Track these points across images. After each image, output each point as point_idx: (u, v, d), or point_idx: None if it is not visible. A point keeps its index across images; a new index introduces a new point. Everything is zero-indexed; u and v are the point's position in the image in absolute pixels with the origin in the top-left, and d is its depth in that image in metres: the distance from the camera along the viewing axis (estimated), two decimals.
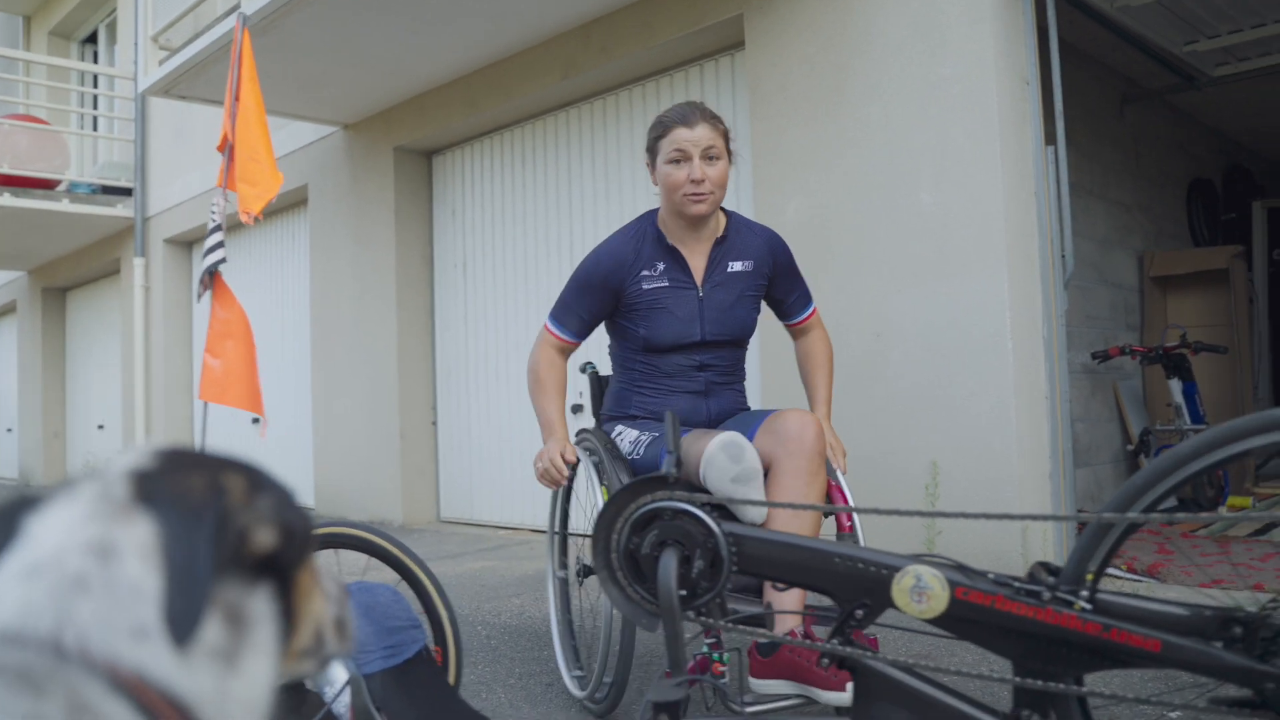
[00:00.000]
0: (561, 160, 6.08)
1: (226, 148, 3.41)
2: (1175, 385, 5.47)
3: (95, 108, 11.06)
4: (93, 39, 11.82)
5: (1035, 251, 3.93)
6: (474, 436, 6.68)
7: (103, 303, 11.31)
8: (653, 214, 2.69)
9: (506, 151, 6.47)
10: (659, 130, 2.55)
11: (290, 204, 8.14)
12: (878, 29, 4.14)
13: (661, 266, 2.60)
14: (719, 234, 2.63)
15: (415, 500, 6.82)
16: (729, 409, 2.67)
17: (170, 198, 9.36)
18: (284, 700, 2.11)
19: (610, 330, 2.77)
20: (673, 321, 2.58)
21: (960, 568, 1.58)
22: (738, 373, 2.73)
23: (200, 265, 3.45)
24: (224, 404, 3.94)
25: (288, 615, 0.70)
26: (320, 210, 7.45)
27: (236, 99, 3.42)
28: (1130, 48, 5.42)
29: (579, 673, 2.67)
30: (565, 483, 2.58)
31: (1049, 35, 4.03)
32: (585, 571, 2.70)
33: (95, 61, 11.61)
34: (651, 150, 2.59)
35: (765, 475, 2.32)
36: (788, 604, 2.17)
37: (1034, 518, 1.53)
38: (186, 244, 9.60)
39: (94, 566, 0.59)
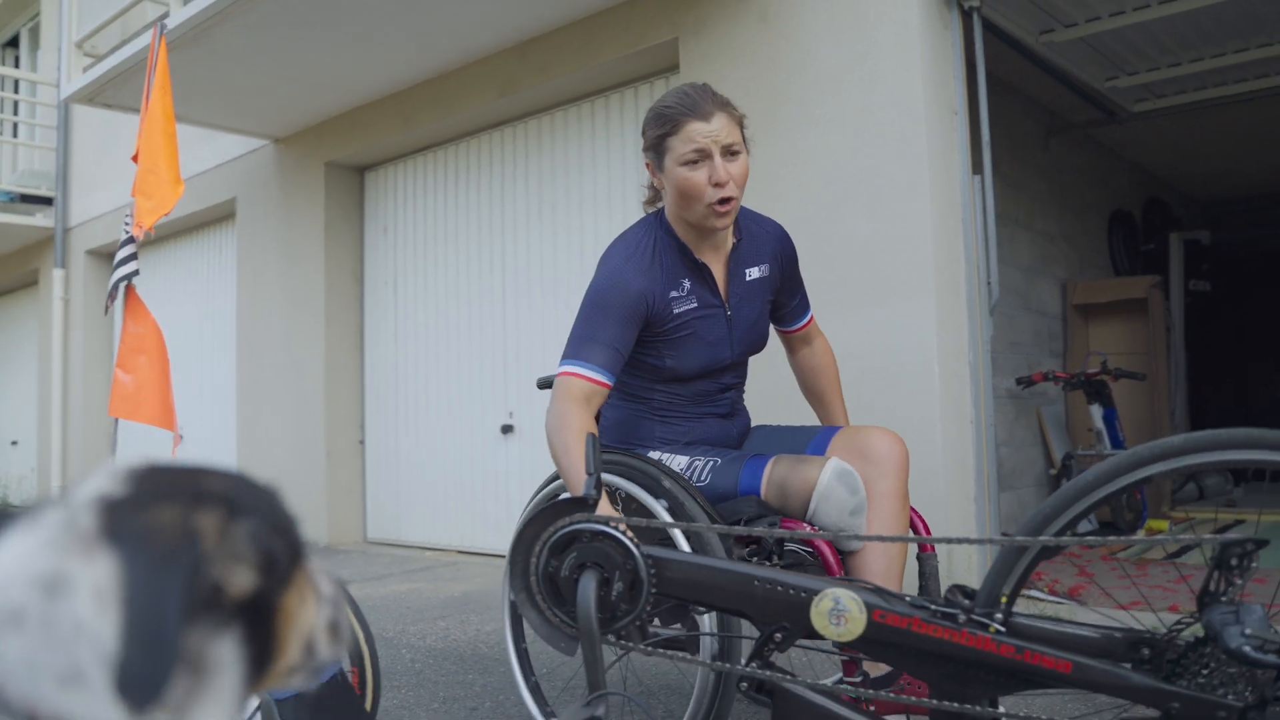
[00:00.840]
0: (496, 179, 6.05)
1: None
2: (1096, 410, 5.60)
3: (16, 114, 10.76)
4: (14, 43, 11.50)
5: (962, 278, 3.99)
6: (402, 456, 6.59)
7: (19, 314, 10.97)
8: (659, 218, 2.28)
9: (440, 169, 6.42)
10: (666, 125, 2.11)
11: (218, 217, 7.98)
12: (811, 57, 4.20)
13: (688, 285, 2.22)
14: (731, 240, 2.30)
15: (341, 520, 6.70)
16: (746, 424, 2.46)
17: (94, 208, 9.13)
18: None
19: None
20: (703, 349, 2.24)
21: (878, 591, 1.59)
22: (745, 383, 2.49)
23: (111, 278, 3.35)
24: (135, 420, 3.83)
25: (269, 641, 0.64)
26: (249, 224, 7.32)
27: (147, 107, 3.35)
28: (1055, 82, 5.56)
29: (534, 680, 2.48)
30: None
31: (977, 68, 4.12)
32: None
33: (16, 66, 11.30)
34: (657, 149, 2.16)
35: None
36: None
37: (958, 540, 1.55)
38: (109, 256, 9.36)
39: (36, 601, 0.55)
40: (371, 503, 6.80)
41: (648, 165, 2.23)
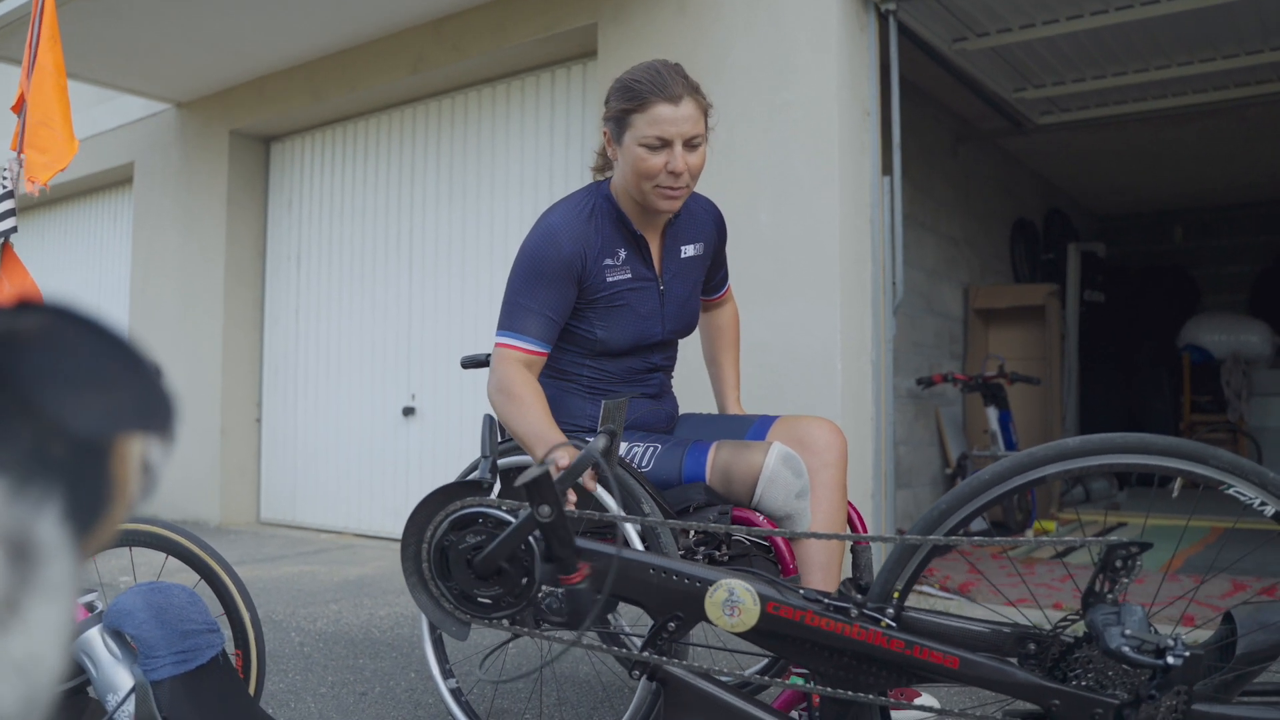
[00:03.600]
0: (406, 158, 5.94)
1: (22, 110, 3.17)
2: (992, 413, 5.74)
3: None
4: None
5: (867, 278, 4.05)
6: (300, 436, 6.43)
7: None
8: (602, 187, 2.24)
9: (349, 144, 6.27)
10: (633, 100, 2.07)
11: (113, 182, 7.68)
12: (728, 51, 4.20)
13: (623, 255, 2.19)
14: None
15: (234, 500, 6.52)
16: (675, 409, 2.42)
17: None
18: (63, 709, 1.95)
19: None
20: (635, 321, 2.21)
21: (773, 582, 1.59)
22: (673, 367, 2.45)
23: None
24: None
25: (104, 487, 0.52)
26: (146, 191, 7.06)
27: (34, 58, 3.17)
28: (965, 90, 5.68)
29: (453, 683, 2.41)
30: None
31: (890, 71, 4.18)
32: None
33: None
34: (618, 120, 2.11)
35: None
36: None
37: (856, 538, 1.56)
38: None
39: None
40: (266, 483, 6.63)
41: (605, 134, 2.18)
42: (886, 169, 4.14)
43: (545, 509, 1.55)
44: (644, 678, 1.67)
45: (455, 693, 2.39)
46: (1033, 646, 1.48)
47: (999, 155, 7.31)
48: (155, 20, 5.35)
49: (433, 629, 2.43)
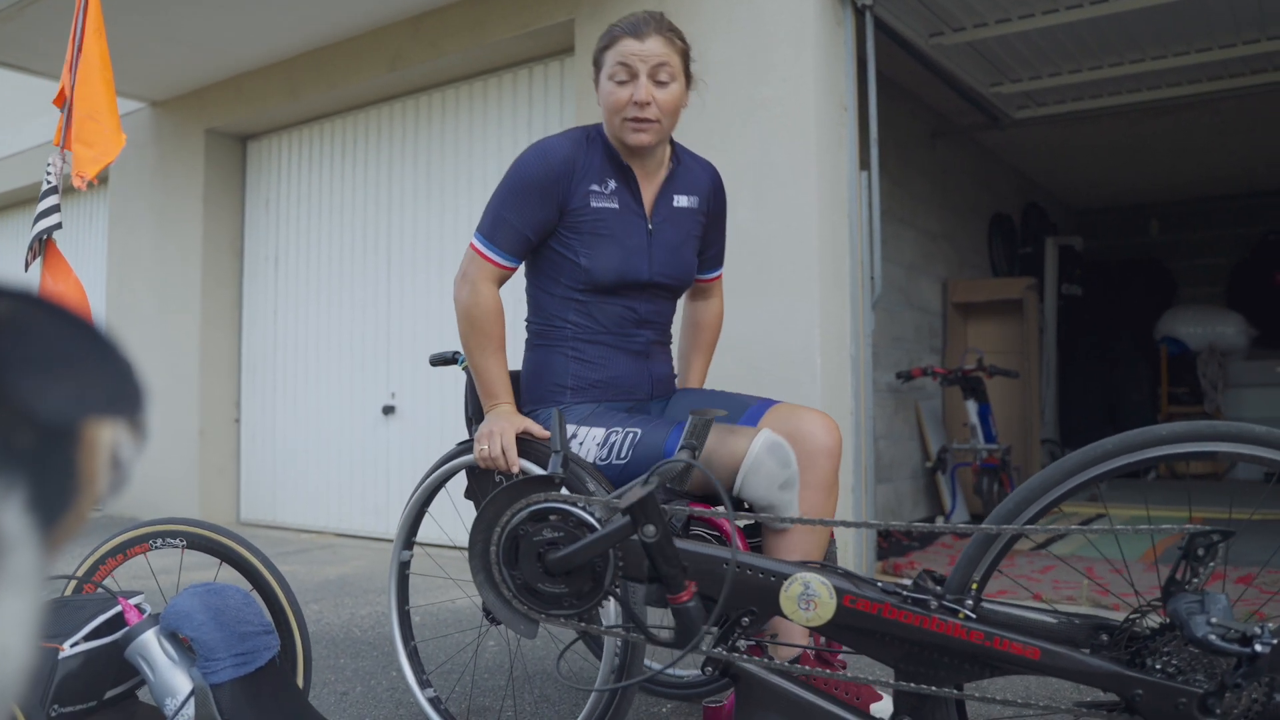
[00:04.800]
0: (384, 155, 5.91)
1: (65, 104, 3.12)
2: (971, 406, 5.77)
3: None
4: None
5: (846, 272, 4.06)
6: (279, 436, 6.40)
7: None
8: (599, 126, 2.28)
9: (326, 142, 6.24)
10: (605, 40, 2.18)
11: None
12: (706, 46, 4.20)
13: (613, 185, 2.20)
14: (666, 164, 2.30)
15: (213, 501, 6.48)
16: (666, 374, 2.37)
17: None
18: (112, 715, 1.93)
19: (536, 263, 2.27)
20: (619, 252, 2.18)
21: (848, 575, 1.57)
22: (669, 331, 2.39)
23: (31, 230, 3.12)
24: None
25: (70, 477, 0.50)
26: (122, 190, 7.00)
27: (79, 52, 3.13)
28: (942, 85, 5.70)
29: (431, 692, 2.40)
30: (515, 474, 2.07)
31: (867, 66, 4.19)
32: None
33: None
34: (596, 63, 2.21)
35: None
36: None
37: (921, 527, 1.54)
38: None
39: None
40: (246, 483, 6.60)
41: (593, 79, 2.26)
42: (864, 164, 4.15)
43: (650, 529, 1.52)
44: (716, 673, 1.64)
45: (434, 701, 2.38)
46: (1105, 637, 1.48)
47: (976, 150, 7.34)
48: (130, 18, 5.30)
49: (406, 641, 2.42)
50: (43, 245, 3.12)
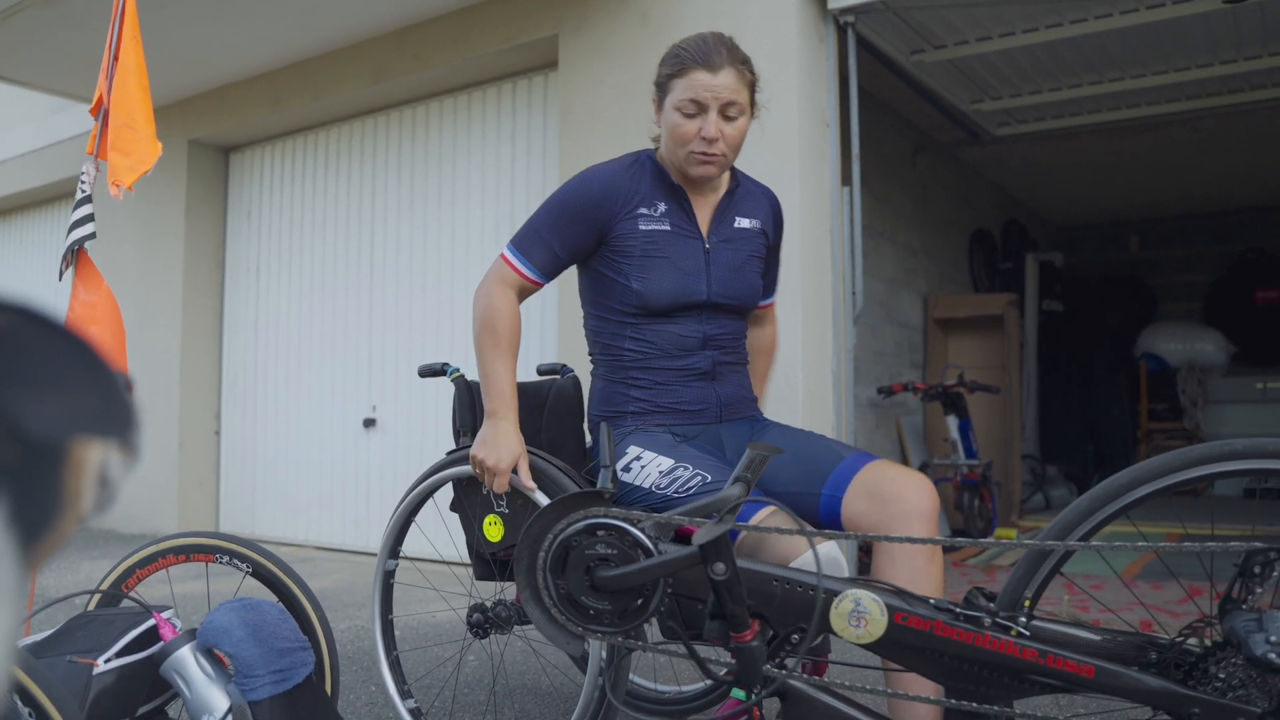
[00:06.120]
0: (367, 168, 5.91)
1: (100, 112, 3.09)
2: (952, 421, 5.79)
3: None
4: None
5: (828, 287, 4.07)
6: (259, 448, 6.37)
7: None
8: (648, 150, 2.24)
9: (310, 154, 6.23)
10: (674, 66, 2.08)
11: (70, 191, 7.59)
12: None
13: (663, 207, 2.15)
14: (725, 188, 2.23)
15: (193, 513, 6.43)
16: (736, 396, 2.21)
17: None
18: None
19: (590, 290, 2.22)
20: (673, 274, 2.11)
21: (899, 593, 1.56)
22: (742, 350, 2.26)
23: (65, 239, 3.09)
24: None
25: (52, 496, 0.49)
26: (104, 201, 6.96)
27: (115, 59, 3.10)
28: (923, 101, 5.74)
29: (412, 703, 2.39)
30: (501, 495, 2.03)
31: (849, 82, 4.22)
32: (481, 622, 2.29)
33: None
34: (661, 87, 2.13)
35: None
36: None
37: (955, 542, 1.53)
38: None
39: None
40: (225, 495, 6.56)
41: (654, 100, 2.18)
42: (846, 179, 4.17)
43: (720, 566, 1.48)
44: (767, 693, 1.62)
45: (414, 712, 2.36)
46: (1154, 655, 1.46)
47: (957, 166, 7.39)
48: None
49: (388, 650, 2.41)
50: (75, 255, 3.09)
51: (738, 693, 1.76)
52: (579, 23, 4.58)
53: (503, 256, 2.16)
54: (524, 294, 2.16)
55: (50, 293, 7.76)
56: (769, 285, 2.42)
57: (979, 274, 7.78)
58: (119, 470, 0.55)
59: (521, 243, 2.14)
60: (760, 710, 1.64)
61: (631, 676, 2.62)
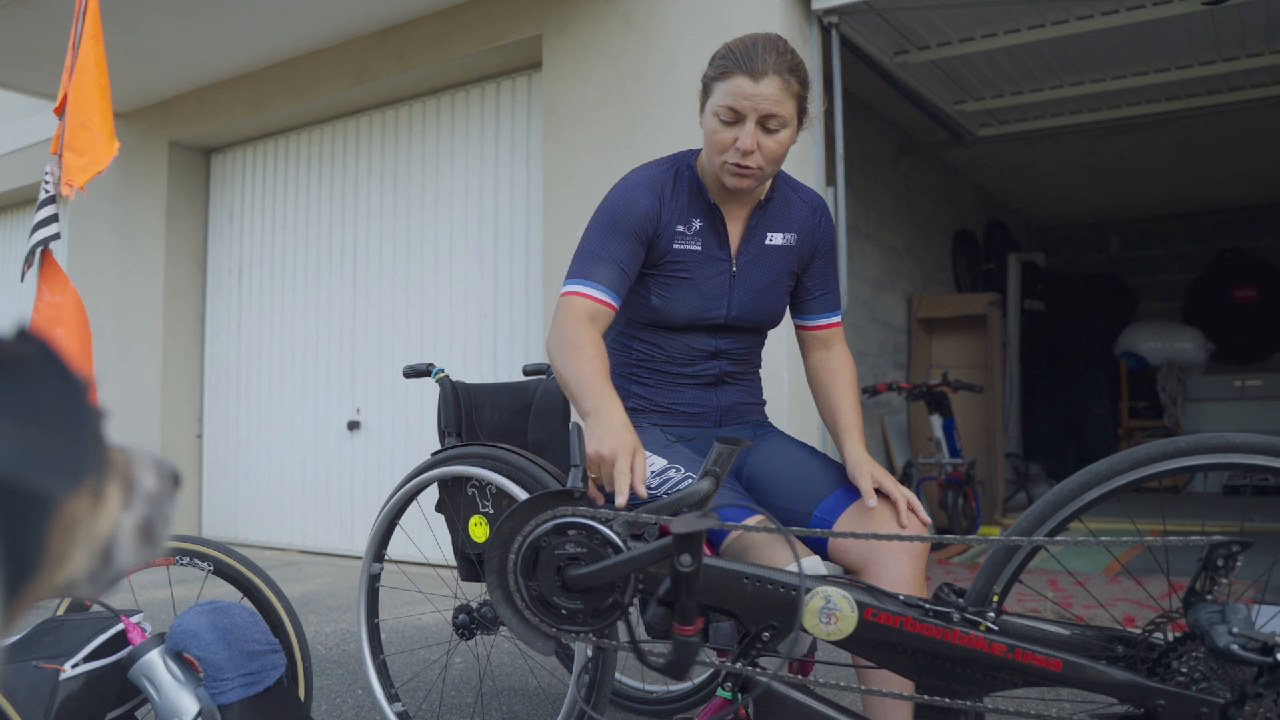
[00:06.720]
0: (349, 168, 5.88)
1: (64, 111, 3.06)
2: (936, 421, 5.80)
3: None
4: None
5: None
6: (242, 452, 6.33)
7: None
8: (689, 155, 2.12)
9: (292, 155, 6.20)
10: (718, 68, 1.96)
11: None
12: (674, 64, 4.22)
13: (697, 225, 2.04)
14: (761, 196, 2.09)
15: (175, 518, 6.38)
16: (738, 402, 2.17)
17: None
18: None
19: None
20: (695, 297, 2.03)
21: (869, 589, 1.56)
22: (754, 360, 2.22)
23: (28, 240, 3.06)
24: None
25: (35, 552, 0.46)
26: (82, 202, 6.91)
27: (78, 57, 3.07)
28: (906, 102, 5.76)
29: (399, 706, 2.37)
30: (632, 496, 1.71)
31: (834, 83, 4.22)
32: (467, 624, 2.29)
33: None
34: (706, 87, 2.00)
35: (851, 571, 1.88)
36: None
37: (942, 539, 1.53)
38: None
39: None
40: (208, 499, 6.51)
41: (699, 98, 2.06)
42: (830, 180, 4.18)
43: (686, 559, 1.47)
44: (734, 688, 1.62)
45: (402, 716, 2.36)
46: (1121, 648, 1.48)
47: (940, 167, 7.42)
48: None
49: (374, 654, 2.40)
50: (40, 255, 3.06)
51: (724, 692, 1.77)
52: (562, 24, 4.58)
53: (564, 295, 1.94)
54: (599, 320, 1.91)
55: (21, 293, 7.70)
56: (828, 301, 2.21)
57: (962, 274, 7.81)
58: (127, 553, 0.54)
59: (582, 269, 1.95)
60: (747, 710, 1.64)
61: (618, 676, 2.62)
